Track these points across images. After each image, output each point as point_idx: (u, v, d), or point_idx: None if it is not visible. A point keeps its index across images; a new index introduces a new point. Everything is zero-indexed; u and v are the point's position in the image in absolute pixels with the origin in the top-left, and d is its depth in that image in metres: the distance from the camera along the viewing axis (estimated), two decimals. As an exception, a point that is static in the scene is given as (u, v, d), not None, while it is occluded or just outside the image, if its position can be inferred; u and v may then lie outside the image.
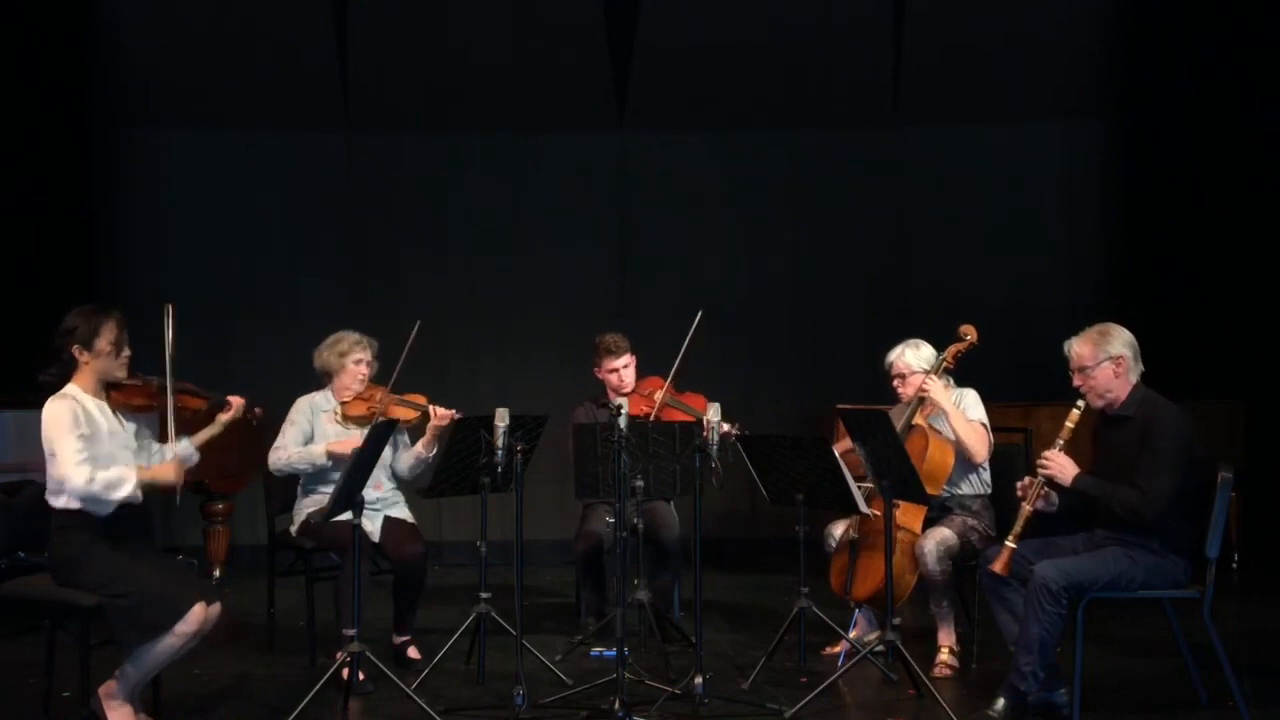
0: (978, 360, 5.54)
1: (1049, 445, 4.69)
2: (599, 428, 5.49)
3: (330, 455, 5.45)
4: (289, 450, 5.49)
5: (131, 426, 4.60)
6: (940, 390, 5.35)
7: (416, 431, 5.73)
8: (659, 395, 5.96)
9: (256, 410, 4.93)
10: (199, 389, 4.73)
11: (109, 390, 4.53)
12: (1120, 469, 4.59)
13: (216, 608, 4.46)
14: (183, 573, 4.66)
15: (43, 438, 4.40)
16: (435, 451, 5.57)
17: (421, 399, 5.62)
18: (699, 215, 8.83)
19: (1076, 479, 4.59)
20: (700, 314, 5.87)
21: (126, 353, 4.54)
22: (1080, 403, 4.67)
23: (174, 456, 4.54)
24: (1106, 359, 4.63)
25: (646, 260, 8.83)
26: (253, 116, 8.62)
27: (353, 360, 5.59)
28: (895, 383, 5.58)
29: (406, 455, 5.69)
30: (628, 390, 6.06)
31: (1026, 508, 4.64)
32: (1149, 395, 4.66)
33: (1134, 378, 4.67)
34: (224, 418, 4.79)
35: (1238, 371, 7.98)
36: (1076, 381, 4.70)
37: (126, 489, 4.35)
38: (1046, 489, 4.67)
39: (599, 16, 8.68)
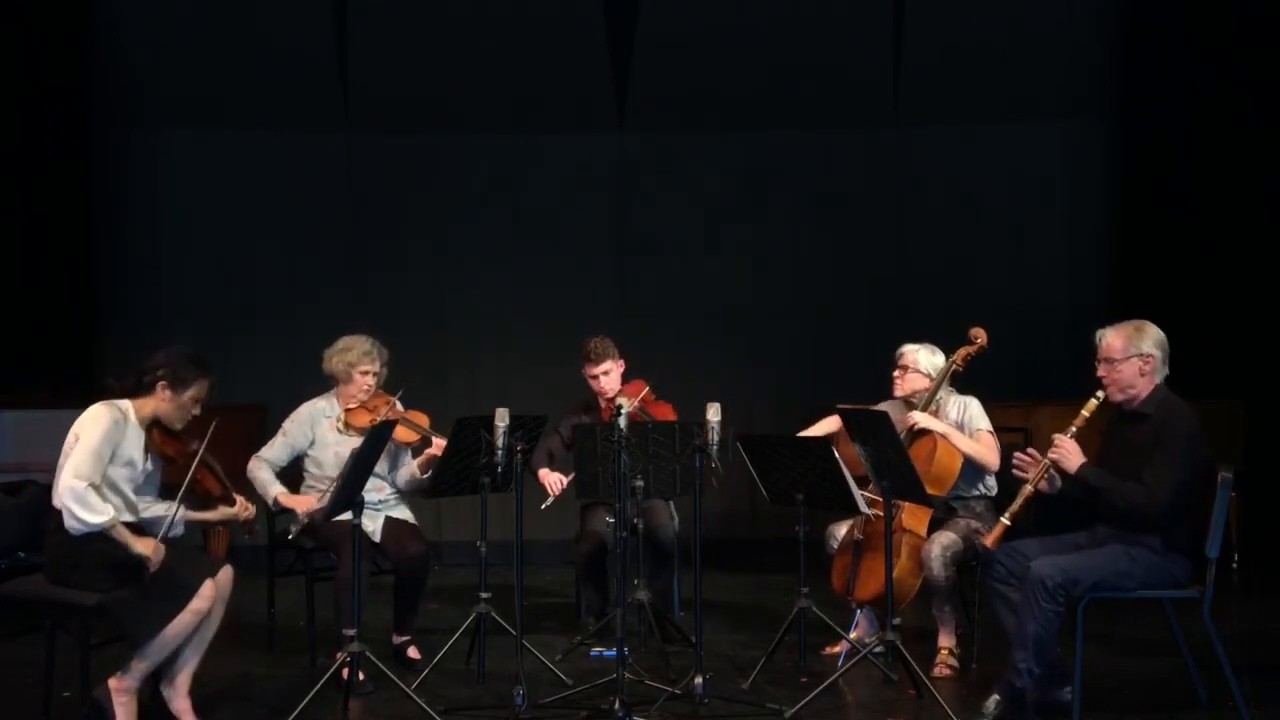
0: (979, 360, 5.55)
1: (1048, 444, 4.68)
2: (599, 428, 5.48)
3: (278, 503, 5.43)
4: (259, 470, 5.46)
5: (149, 470, 4.60)
6: (930, 420, 5.35)
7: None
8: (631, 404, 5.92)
9: (255, 529, 4.91)
10: (221, 475, 4.71)
11: (151, 428, 4.54)
12: (1130, 465, 4.57)
13: (226, 573, 4.53)
14: (183, 555, 4.68)
15: (72, 431, 4.41)
16: (429, 475, 5.56)
17: (424, 420, 5.59)
18: (699, 215, 8.83)
19: (1082, 468, 4.56)
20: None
21: (196, 411, 4.59)
22: (1100, 394, 4.64)
23: (157, 540, 4.42)
24: (1136, 354, 4.60)
25: (646, 260, 8.83)
26: (253, 116, 8.62)
27: (359, 371, 5.55)
28: (896, 373, 5.58)
29: (403, 471, 5.67)
30: (610, 396, 6.03)
31: (1028, 488, 4.62)
32: (1169, 397, 4.64)
33: (1158, 379, 4.64)
34: (228, 511, 4.74)
35: (1238, 371, 7.97)
36: (1101, 372, 4.65)
37: (93, 519, 4.27)
38: (1051, 472, 4.65)
39: (599, 16, 8.68)
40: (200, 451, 4.53)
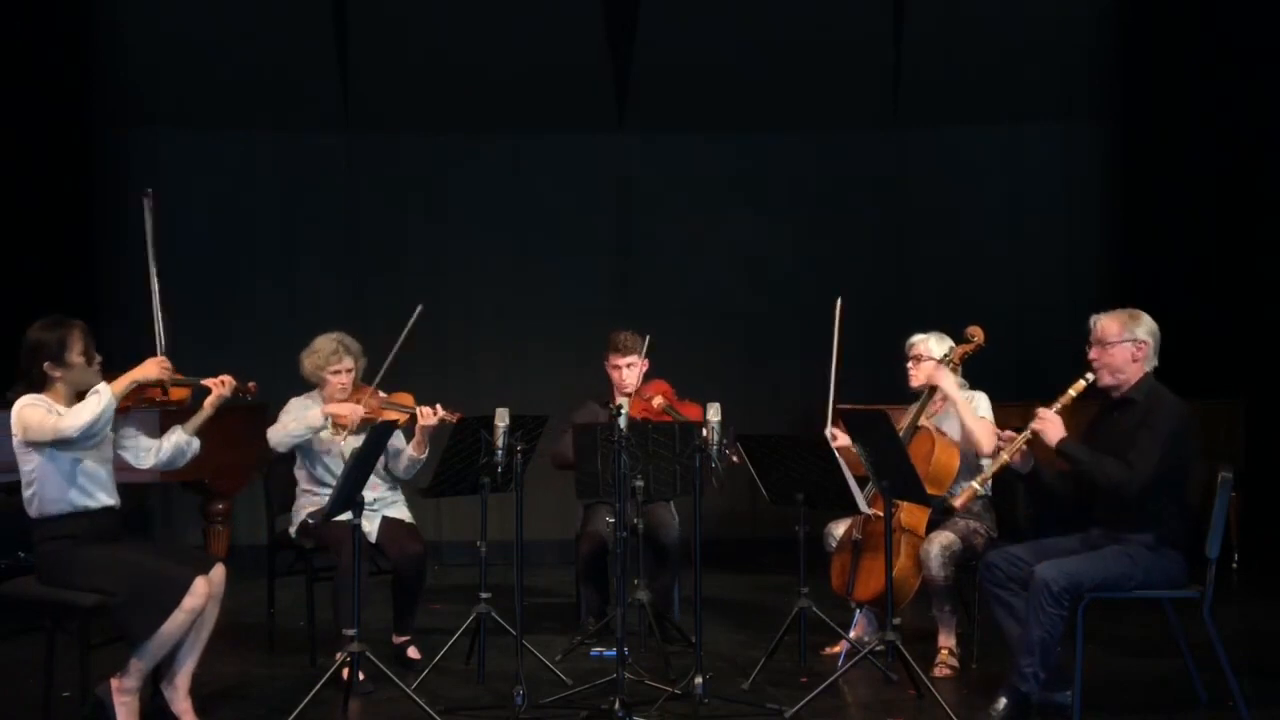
0: (978, 360, 5.55)
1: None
2: (599, 428, 5.49)
3: (326, 415, 5.43)
4: (283, 422, 5.50)
5: (112, 435, 4.57)
6: (950, 380, 5.36)
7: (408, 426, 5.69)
8: (656, 401, 5.98)
9: (250, 385, 4.88)
10: (180, 378, 4.66)
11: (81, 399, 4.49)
12: (1115, 449, 4.58)
13: (218, 571, 4.53)
14: (174, 552, 4.67)
15: (16, 442, 4.39)
16: (427, 452, 5.56)
17: (409, 399, 5.60)
18: (699, 216, 8.81)
19: (1062, 441, 4.59)
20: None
21: (99, 359, 4.53)
22: (1089, 375, 4.67)
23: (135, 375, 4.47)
24: (1130, 339, 4.63)
25: (646, 261, 8.82)
26: (253, 117, 8.61)
27: (330, 372, 5.57)
28: (910, 365, 5.61)
29: (401, 458, 5.66)
30: (629, 390, 6.07)
31: (1004, 457, 4.68)
32: (1158, 387, 4.67)
33: (1148, 367, 4.68)
34: (211, 400, 4.74)
35: (1238, 371, 7.98)
36: (1093, 354, 4.68)
37: (91, 412, 4.27)
38: (1028, 445, 4.67)
39: (599, 16, 8.68)
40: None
